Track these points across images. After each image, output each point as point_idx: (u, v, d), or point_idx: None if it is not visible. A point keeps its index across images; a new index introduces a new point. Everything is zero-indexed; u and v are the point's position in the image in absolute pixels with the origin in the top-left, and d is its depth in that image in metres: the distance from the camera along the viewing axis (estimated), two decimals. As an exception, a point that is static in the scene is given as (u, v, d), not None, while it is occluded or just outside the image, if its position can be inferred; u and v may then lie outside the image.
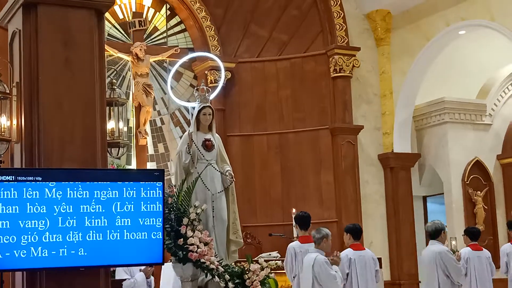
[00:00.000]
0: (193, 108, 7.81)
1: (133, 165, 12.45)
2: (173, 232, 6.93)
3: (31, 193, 5.53)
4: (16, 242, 5.46)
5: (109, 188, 5.79)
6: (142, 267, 8.16)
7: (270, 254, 11.67)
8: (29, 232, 5.50)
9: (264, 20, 13.63)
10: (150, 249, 5.94)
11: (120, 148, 7.02)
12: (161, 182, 6.01)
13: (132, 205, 5.87)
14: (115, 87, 7.05)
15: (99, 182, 5.76)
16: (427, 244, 14.00)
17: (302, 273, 8.55)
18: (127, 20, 12.95)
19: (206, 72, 13.08)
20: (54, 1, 5.98)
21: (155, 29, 13.29)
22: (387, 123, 13.79)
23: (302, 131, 13.36)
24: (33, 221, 5.52)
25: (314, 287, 7.88)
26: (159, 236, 5.96)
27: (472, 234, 10.42)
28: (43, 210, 5.55)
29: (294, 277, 9.15)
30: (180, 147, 7.65)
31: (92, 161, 5.92)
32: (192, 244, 6.85)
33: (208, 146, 7.57)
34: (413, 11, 13.55)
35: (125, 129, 7.41)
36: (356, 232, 9.07)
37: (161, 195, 5.99)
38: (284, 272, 9.57)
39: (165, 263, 6.72)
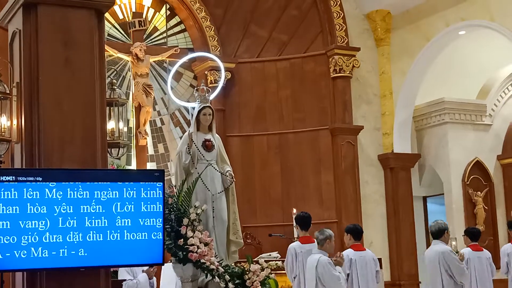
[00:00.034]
0: (193, 108, 7.80)
1: (133, 166, 12.45)
2: (173, 232, 6.93)
3: (31, 193, 5.52)
4: (17, 242, 5.46)
5: (109, 189, 5.78)
6: (145, 268, 8.16)
7: (270, 255, 11.66)
8: (30, 233, 5.49)
9: (264, 20, 13.63)
10: (150, 249, 5.93)
11: (120, 149, 7.00)
12: (161, 183, 6.01)
13: (132, 206, 5.86)
14: (115, 87, 7.04)
15: (99, 183, 5.75)
16: (427, 244, 14.10)
17: (305, 274, 8.56)
18: (127, 20, 12.94)
19: (206, 72, 13.07)
20: (54, 1, 5.98)
21: (155, 29, 13.29)
22: (387, 124, 13.79)
23: (302, 131, 13.35)
24: (33, 222, 5.51)
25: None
26: (159, 236, 5.95)
27: (472, 235, 10.42)
28: (43, 210, 5.55)
29: (294, 278, 9.16)
30: (180, 147, 7.64)
31: (92, 161, 5.92)
32: (192, 245, 6.84)
33: (208, 146, 7.57)
34: (413, 11, 13.55)
35: (125, 129, 7.39)
36: (357, 233, 9.08)
37: (161, 196, 5.99)
38: (284, 273, 9.57)
39: (165, 264, 6.71)
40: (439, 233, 9.00)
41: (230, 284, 6.91)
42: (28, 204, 5.51)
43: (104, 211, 5.75)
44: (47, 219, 5.55)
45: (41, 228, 5.53)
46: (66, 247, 5.60)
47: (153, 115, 12.91)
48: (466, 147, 14.17)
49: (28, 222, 5.50)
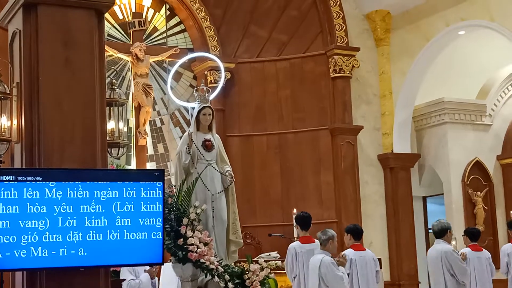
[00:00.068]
0: (193, 108, 7.81)
1: (133, 165, 12.46)
2: (173, 232, 6.93)
3: (31, 193, 5.53)
4: (16, 242, 5.47)
5: (109, 188, 5.79)
6: (147, 268, 8.17)
7: (269, 254, 11.67)
8: (29, 232, 5.50)
9: (263, 20, 13.63)
10: (150, 249, 5.94)
11: (120, 148, 7.01)
12: (161, 182, 6.02)
13: (132, 205, 5.87)
14: (115, 87, 7.04)
15: (99, 182, 5.76)
16: (427, 245, 14.11)
17: (305, 274, 8.56)
18: (127, 20, 12.95)
19: (205, 72, 13.08)
20: (54, 1, 5.99)
21: (155, 29, 13.29)
22: (387, 124, 13.79)
23: (302, 131, 13.36)
24: (33, 221, 5.52)
25: (321, 288, 7.92)
26: (159, 236, 5.96)
27: (472, 235, 10.42)
28: (43, 210, 5.55)
29: (294, 278, 9.16)
30: (180, 147, 7.64)
31: (92, 161, 5.92)
32: (192, 244, 6.84)
33: (208, 146, 7.57)
34: (412, 11, 13.55)
35: (125, 129, 7.39)
36: (357, 233, 9.09)
37: (161, 195, 6.00)
38: (284, 272, 9.58)
39: (165, 263, 6.72)
40: (441, 232, 9.01)
41: (229, 284, 6.91)
42: (28, 203, 5.52)
43: (104, 210, 5.76)
44: (47, 218, 5.56)
45: (41, 227, 5.53)
46: (65, 246, 5.60)
47: (153, 115, 12.91)
48: (466, 147, 14.18)
49: (28, 222, 5.50)
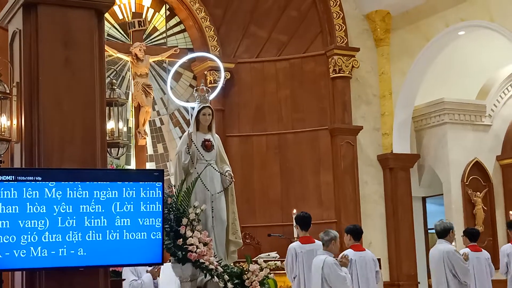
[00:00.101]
0: (193, 108, 7.81)
1: (133, 165, 12.45)
2: (172, 232, 6.93)
3: (31, 193, 5.53)
4: (16, 242, 5.46)
5: (109, 188, 5.79)
6: (149, 268, 8.16)
7: (269, 255, 11.67)
8: (29, 232, 5.50)
9: (263, 20, 13.64)
10: (149, 249, 5.94)
11: (120, 148, 7.00)
12: (160, 182, 6.01)
13: (132, 205, 5.87)
14: (115, 87, 7.04)
15: (99, 182, 5.76)
16: (427, 245, 14.11)
17: (308, 275, 8.57)
18: (127, 20, 12.95)
19: (205, 72, 13.08)
20: (54, 1, 5.98)
21: (155, 29, 13.30)
22: (387, 124, 13.80)
23: (302, 131, 13.36)
24: (32, 221, 5.51)
25: (323, 288, 7.94)
26: (158, 236, 5.95)
27: (471, 235, 10.42)
28: (42, 210, 5.55)
29: (294, 278, 9.16)
30: (179, 147, 7.64)
31: (91, 161, 5.92)
32: (192, 244, 6.84)
33: (207, 146, 7.57)
34: (412, 11, 13.56)
35: (125, 129, 7.39)
36: (357, 233, 9.10)
37: (160, 195, 5.99)
38: (284, 273, 9.57)
39: (164, 264, 6.71)
40: (444, 232, 9.02)
41: (229, 284, 6.91)
42: (28, 203, 5.51)
43: (103, 210, 5.75)
44: (47, 218, 5.56)
45: (40, 227, 5.53)
46: (65, 246, 5.60)
47: (153, 115, 12.92)
48: (466, 147, 14.18)
49: (28, 222, 5.50)
